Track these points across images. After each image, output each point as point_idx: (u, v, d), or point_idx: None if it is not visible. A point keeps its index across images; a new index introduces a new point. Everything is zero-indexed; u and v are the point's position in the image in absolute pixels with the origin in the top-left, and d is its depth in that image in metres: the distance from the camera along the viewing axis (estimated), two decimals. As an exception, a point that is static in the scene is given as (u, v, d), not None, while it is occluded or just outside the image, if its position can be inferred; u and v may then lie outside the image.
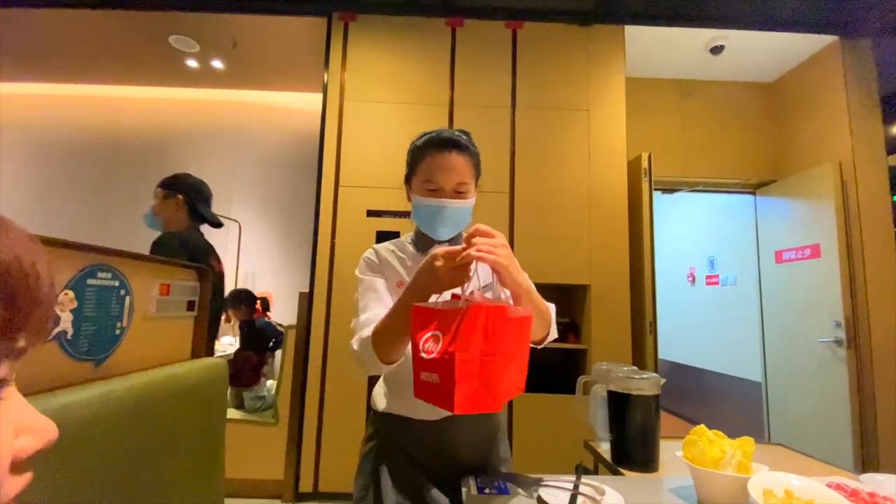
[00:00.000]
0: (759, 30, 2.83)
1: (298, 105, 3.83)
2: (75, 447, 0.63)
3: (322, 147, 2.69)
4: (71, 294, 0.68)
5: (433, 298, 0.86)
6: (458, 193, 0.98)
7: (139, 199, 3.74)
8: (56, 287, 0.26)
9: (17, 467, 0.24)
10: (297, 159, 3.76)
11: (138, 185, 3.79)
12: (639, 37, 2.88)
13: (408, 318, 0.80)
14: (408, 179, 1.07)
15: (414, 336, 0.72)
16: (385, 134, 2.71)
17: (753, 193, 3.40)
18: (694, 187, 3.38)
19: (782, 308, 3.15)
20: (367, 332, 0.89)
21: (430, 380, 0.68)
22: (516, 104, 2.74)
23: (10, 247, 0.23)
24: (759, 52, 3.03)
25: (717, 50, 2.98)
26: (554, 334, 0.98)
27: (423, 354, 0.68)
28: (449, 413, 0.96)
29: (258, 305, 3.21)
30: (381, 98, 2.74)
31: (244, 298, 3.08)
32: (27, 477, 0.25)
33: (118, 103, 3.89)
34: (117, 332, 0.78)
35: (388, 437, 1.00)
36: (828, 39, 2.88)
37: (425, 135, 1.03)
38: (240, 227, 3.67)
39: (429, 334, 0.70)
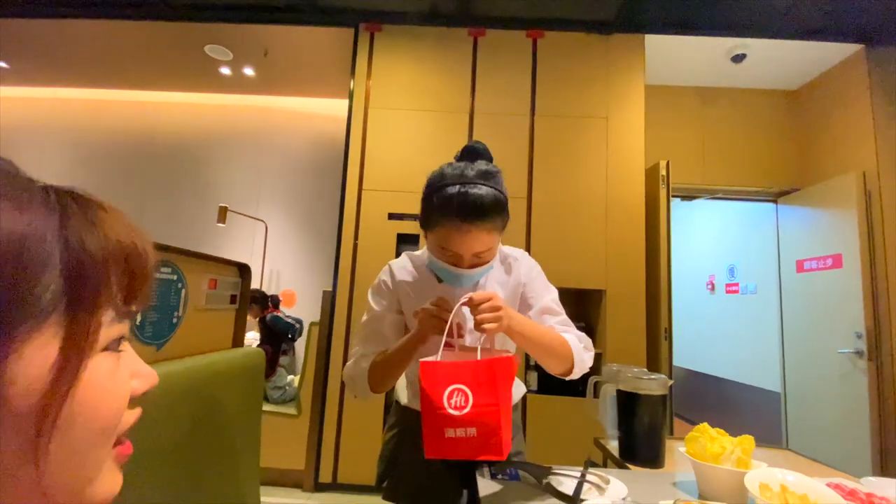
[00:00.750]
0: (782, 38, 2.83)
1: (325, 111, 3.97)
2: (140, 420, 0.72)
3: (347, 152, 2.80)
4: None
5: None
6: (478, 256, 0.91)
7: (173, 198, 3.95)
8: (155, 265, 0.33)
9: (132, 403, 0.31)
10: (322, 163, 3.90)
11: (173, 185, 4.00)
12: (659, 45, 2.91)
13: (401, 360, 0.91)
14: (422, 225, 0.96)
15: (430, 393, 0.73)
16: (407, 140, 2.80)
17: (775, 202, 3.38)
18: (714, 195, 3.38)
19: (802, 318, 3.12)
20: (365, 364, 0.97)
21: (463, 434, 0.71)
22: (535, 112, 2.80)
23: (129, 232, 0.29)
24: (781, 60, 3.02)
25: (738, 58, 2.99)
26: (583, 367, 0.98)
27: (452, 411, 0.71)
28: None
29: (269, 303, 3.36)
30: (403, 105, 2.84)
31: (254, 298, 3.23)
32: (138, 411, 0.32)
33: (156, 108, 4.10)
34: (174, 320, 0.88)
35: (408, 427, 1.07)
36: (853, 48, 2.86)
37: (442, 183, 0.88)
38: (266, 228, 3.82)
39: (452, 389, 0.72)
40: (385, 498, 1.06)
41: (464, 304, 0.82)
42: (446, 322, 0.81)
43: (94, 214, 0.27)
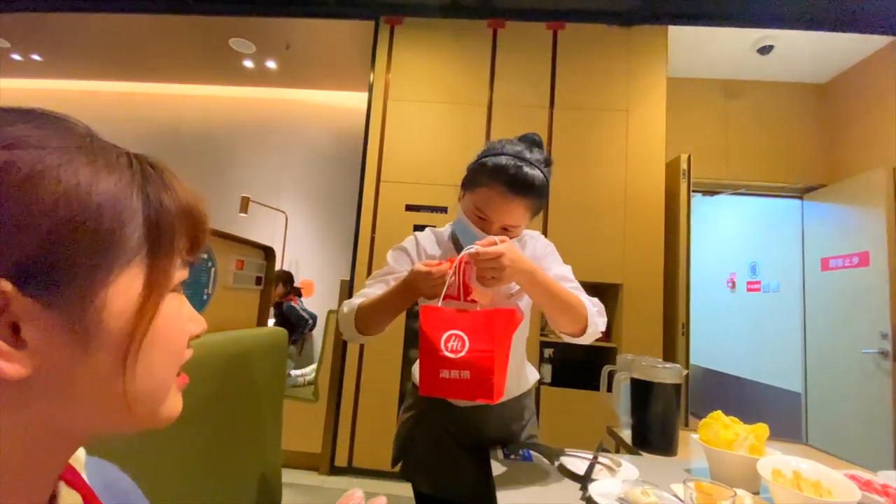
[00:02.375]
0: (811, 30, 2.75)
1: (344, 104, 4.02)
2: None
3: (366, 144, 2.84)
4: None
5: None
6: (506, 230, 0.95)
7: (198, 188, 4.05)
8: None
9: (188, 341, 0.35)
10: (341, 155, 3.95)
11: (197, 176, 4.10)
12: (683, 36, 2.86)
13: (394, 306, 0.92)
14: (465, 185, 1.02)
15: (430, 335, 0.78)
16: (425, 132, 2.83)
17: (800, 198, 3.30)
18: (737, 190, 3.31)
19: (826, 317, 3.05)
20: (356, 301, 0.97)
21: (457, 376, 0.76)
22: (554, 104, 2.79)
23: (192, 195, 0.34)
24: (810, 52, 2.94)
25: (765, 50, 2.92)
26: (595, 329, 0.96)
27: (448, 354, 0.76)
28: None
29: (292, 289, 3.45)
30: (423, 98, 2.86)
31: (282, 278, 3.32)
32: (191, 352, 0.36)
33: (181, 101, 4.21)
34: (205, 297, 0.93)
35: (423, 410, 1.10)
36: (885, 40, 2.76)
37: (500, 152, 0.94)
38: (286, 218, 3.89)
39: (450, 334, 0.78)
40: (401, 475, 1.09)
41: (468, 258, 0.81)
42: (436, 279, 0.82)
43: (168, 178, 0.33)
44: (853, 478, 0.90)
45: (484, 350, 0.76)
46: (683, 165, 2.69)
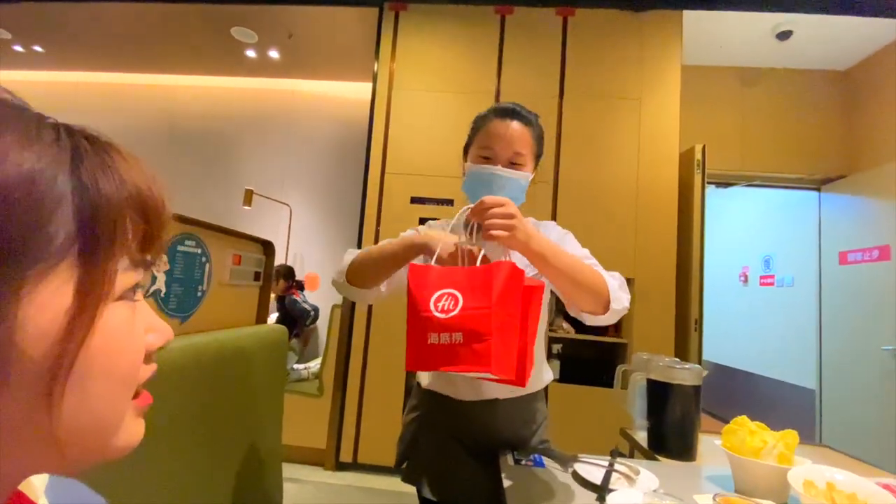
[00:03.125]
0: (832, 14, 2.64)
1: (348, 94, 3.95)
2: (167, 389, 0.72)
3: (370, 135, 2.78)
4: (165, 258, 0.78)
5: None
6: (514, 165, 0.94)
7: (200, 181, 4.03)
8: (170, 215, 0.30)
9: (147, 358, 0.30)
10: (345, 146, 3.89)
11: (199, 169, 4.07)
12: (697, 22, 2.75)
13: (392, 256, 0.85)
14: (466, 150, 1.04)
15: (417, 295, 0.66)
16: (431, 123, 2.76)
17: (818, 190, 3.20)
18: (752, 181, 3.22)
19: (844, 312, 2.96)
20: (350, 256, 0.94)
21: (447, 341, 0.62)
22: (564, 93, 2.71)
23: (145, 177, 0.28)
24: (830, 38, 2.82)
25: (784, 35, 2.81)
26: (620, 304, 0.87)
27: (439, 314, 0.63)
28: (488, 396, 1.00)
29: (294, 283, 3.42)
30: (428, 87, 2.79)
31: (282, 273, 3.29)
32: (153, 367, 0.31)
33: (183, 91, 4.16)
34: (199, 294, 0.88)
35: (429, 410, 1.05)
36: (910, 24, 2.64)
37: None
38: (290, 211, 3.85)
39: (441, 293, 0.65)
40: (405, 480, 1.05)
41: (470, 212, 0.74)
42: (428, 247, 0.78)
43: (110, 156, 0.26)
44: (888, 487, 0.84)
45: (480, 307, 0.62)
46: (698, 156, 2.60)
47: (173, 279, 0.80)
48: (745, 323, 4.30)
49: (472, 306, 0.62)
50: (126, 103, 4.19)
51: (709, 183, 2.68)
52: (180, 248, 0.81)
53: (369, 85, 2.88)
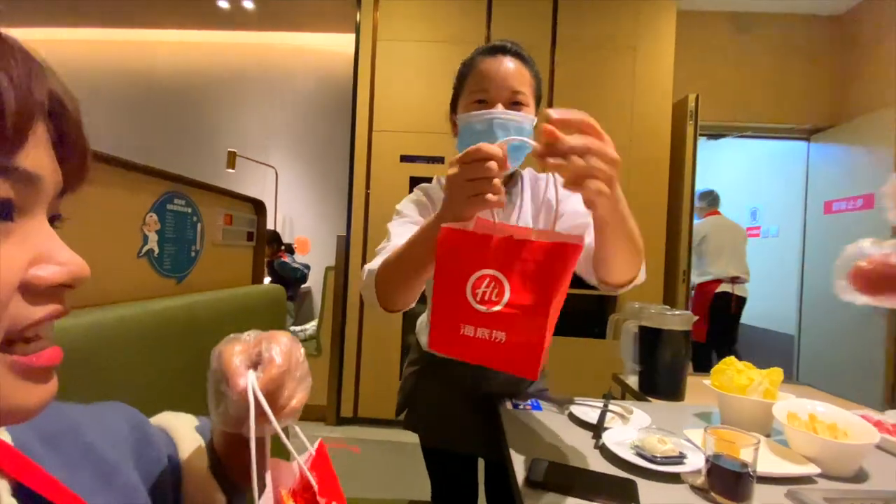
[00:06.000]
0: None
1: (331, 46, 3.77)
2: (166, 346, 0.73)
3: (355, 90, 2.67)
4: (155, 216, 0.76)
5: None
6: (515, 106, 0.80)
7: (180, 143, 3.88)
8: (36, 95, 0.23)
9: (36, 295, 0.23)
10: (331, 103, 3.76)
11: (178, 130, 3.92)
12: (694, -37, 2.63)
13: (426, 256, 0.62)
14: (454, 105, 0.91)
15: (451, 271, 0.52)
16: (418, 75, 2.66)
17: (807, 140, 3.20)
18: (743, 132, 3.20)
19: (826, 260, 3.05)
20: (376, 263, 0.74)
21: (485, 336, 0.50)
22: (556, 42, 2.61)
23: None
24: (830, -22, 2.73)
25: (781, -23, 2.71)
26: (640, 281, 0.80)
27: (478, 305, 0.50)
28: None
29: (282, 247, 3.41)
30: (414, 37, 2.66)
31: (267, 239, 3.28)
32: (49, 309, 0.24)
33: (154, 47, 3.93)
34: (192, 254, 0.87)
35: (428, 367, 1.07)
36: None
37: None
38: (276, 174, 3.76)
39: (482, 274, 0.50)
40: (405, 426, 1.08)
41: (549, 138, 0.48)
42: (489, 177, 0.51)
43: None
44: (864, 417, 0.90)
45: (534, 306, 0.49)
46: (691, 106, 2.57)
47: (165, 239, 0.79)
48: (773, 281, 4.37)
49: (521, 303, 0.49)
50: (93, 61, 3.95)
51: (700, 135, 2.65)
52: (170, 206, 0.79)
53: (352, 36, 2.74)
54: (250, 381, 0.33)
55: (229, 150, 3.45)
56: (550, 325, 0.50)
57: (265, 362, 0.35)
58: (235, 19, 3.60)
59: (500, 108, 0.79)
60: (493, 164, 0.50)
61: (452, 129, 0.92)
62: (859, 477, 0.72)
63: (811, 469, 0.70)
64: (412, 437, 1.09)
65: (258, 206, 1.11)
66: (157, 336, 0.68)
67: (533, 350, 0.49)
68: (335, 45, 3.73)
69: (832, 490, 0.68)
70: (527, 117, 0.81)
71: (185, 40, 3.90)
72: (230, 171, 3.48)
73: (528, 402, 1.00)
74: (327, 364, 2.68)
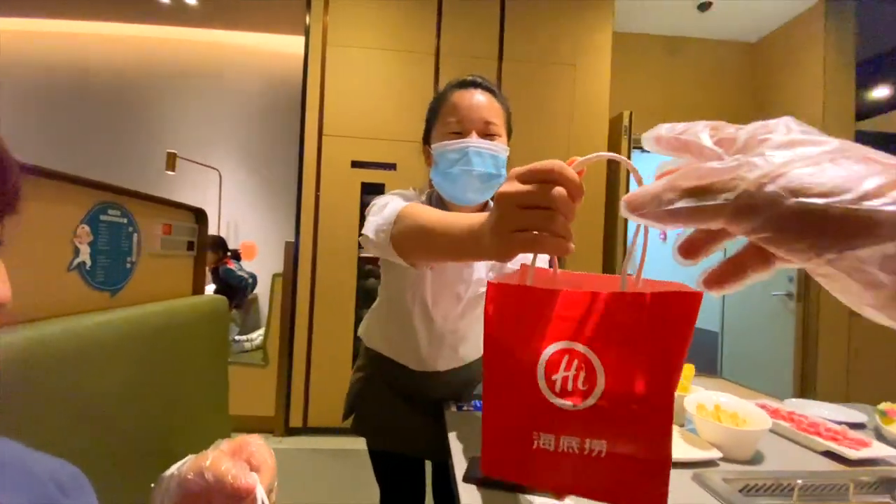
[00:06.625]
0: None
1: (279, 47, 3.69)
2: (99, 364, 0.70)
3: (304, 94, 2.64)
4: (87, 228, 0.73)
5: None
6: (489, 136, 0.82)
7: (115, 142, 3.64)
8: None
9: None
10: (278, 105, 3.67)
11: (114, 129, 3.67)
12: (629, -11, 2.84)
13: (449, 248, 0.56)
14: (426, 137, 0.91)
15: (511, 350, 0.35)
16: (370, 82, 2.67)
17: (728, 154, 3.51)
18: (673, 147, 3.46)
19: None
20: (393, 209, 0.69)
21: (576, 450, 0.33)
22: (503, 56, 2.72)
23: None
24: (745, 10, 3.03)
25: (704, 6, 2.97)
26: None
27: (559, 399, 0.33)
28: (430, 369, 0.99)
29: (227, 253, 3.29)
30: (365, 44, 2.68)
31: (211, 244, 3.15)
32: None
33: (86, 41, 3.66)
34: (128, 265, 0.84)
35: (375, 372, 1.08)
36: (813, 0, 2.90)
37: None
38: (220, 176, 3.62)
39: (556, 350, 0.33)
40: (353, 431, 1.10)
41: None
42: (555, 210, 0.37)
43: None
44: (764, 406, 1.02)
45: (645, 394, 0.32)
46: (626, 122, 2.76)
47: (98, 251, 0.76)
48: (664, 277, 4.73)
49: (626, 392, 0.32)
50: (21, 55, 3.62)
51: (634, 148, 2.86)
52: (103, 217, 0.77)
53: (301, 39, 2.71)
54: (259, 491, 0.33)
55: (168, 151, 3.28)
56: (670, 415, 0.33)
57: (260, 464, 0.36)
58: (177, 15, 3.44)
59: (474, 136, 0.81)
60: (562, 193, 0.36)
61: (426, 160, 0.92)
62: (756, 460, 0.83)
63: (714, 454, 0.79)
64: (363, 444, 1.10)
65: (199, 215, 1.09)
66: (89, 353, 0.66)
67: (653, 467, 0.31)
68: (283, 47, 3.65)
69: (731, 472, 0.77)
70: (502, 147, 0.84)
71: (121, 34, 3.67)
72: (170, 173, 3.30)
73: (472, 403, 1.04)
74: (275, 374, 2.61)
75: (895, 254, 0.17)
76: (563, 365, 0.33)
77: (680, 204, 0.23)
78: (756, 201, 0.20)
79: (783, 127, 0.22)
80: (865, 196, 0.17)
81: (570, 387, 0.33)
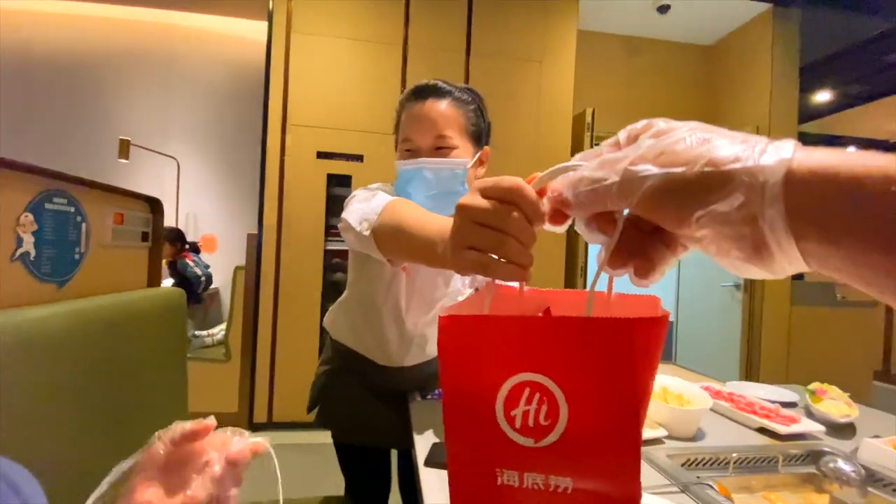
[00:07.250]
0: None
1: (241, 32, 3.55)
2: (46, 359, 0.68)
3: (268, 82, 2.57)
4: (31, 217, 0.70)
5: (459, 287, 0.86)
6: (439, 150, 0.81)
7: (62, 128, 3.42)
8: None
9: None
10: (240, 92, 3.55)
11: (60, 113, 3.45)
12: (593, -12, 2.90)
13: (424, 250, 0.57)
14: (396, 143, 0.91)
15: (471, 386, 0.32)
16: (336, 71, 2.62)
17: (685, 152, 3.68)
18: (633, 144, 3.59)
19: (695, 257, 3.54)
20: (380, 203, 0.70)
21: (540, 486, 0.31)
22: (471, 50, 2.73)
23: None
24: (701, 14, 3.17)
25: (664, 9, 3.08)
26: None
27: (519, 437, 0.31)
28: (397, 365, 1.00)
29: (185, 245, 3.18)
30: (331, 32, 2.62)
31: (169, 236, 3.03)
32: None
33: (29, 18, 3.41)
34: (76, 256, 0.81)
35: (342, 363, 1.08)
36: (763, 6, 3.06)
37: None
38: (178, 165, 3.47)
39: (515, 383, 0.30)
40: (317, 423, 1.10)
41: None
42: (508, 234, 0.32)
43: None
44: (707, 389, 1.09)
45: (610, 428, 0.29)
46: (588, 119, 2.84)
47: (44, 241, 0.73)
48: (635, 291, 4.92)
49: (590, 425, 0.29)
50: None
51: (596, 144, 2.94)
52: (48, 206, 0.74)
53: (264, 24, 2.62)
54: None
55: (121, 137, 3.11)
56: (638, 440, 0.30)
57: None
58: (128, -7, 3.25)
59: (421, 160, 0.81)
60: (519, 218, 0.32)
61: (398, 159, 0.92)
62: (698, 437, 0.89)
63: (660, 432, 0.85)
64: (328, 439, 1.10)
65: (154, 204, 1.05)
66: (34, 347, 0.63)
67: (623, 496, 0.29)
68: (245, 32, 3.53)
69: (674, 448, 0.83)
70: (457, 162, 0.81)
71: (69, 12, 3.43)
72: (123, 161, 3.14)
73: (435, 392, 1.06)
74: (237, 369, 2.55)
75: (744, 202, 0.21)
76: (523, 399, 0.30)
77: (582, 188, 0.27)
78: (632, 177, 0.25)
79: (662, 123, 0.28)
80: (712, 162, 0.22)
81: (530, 421, 0.30)
